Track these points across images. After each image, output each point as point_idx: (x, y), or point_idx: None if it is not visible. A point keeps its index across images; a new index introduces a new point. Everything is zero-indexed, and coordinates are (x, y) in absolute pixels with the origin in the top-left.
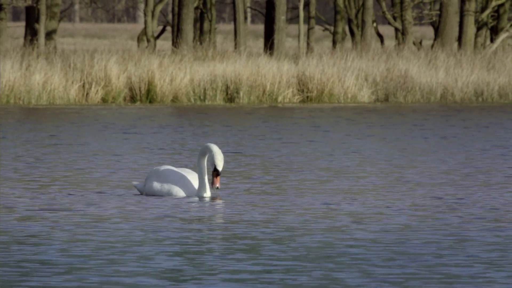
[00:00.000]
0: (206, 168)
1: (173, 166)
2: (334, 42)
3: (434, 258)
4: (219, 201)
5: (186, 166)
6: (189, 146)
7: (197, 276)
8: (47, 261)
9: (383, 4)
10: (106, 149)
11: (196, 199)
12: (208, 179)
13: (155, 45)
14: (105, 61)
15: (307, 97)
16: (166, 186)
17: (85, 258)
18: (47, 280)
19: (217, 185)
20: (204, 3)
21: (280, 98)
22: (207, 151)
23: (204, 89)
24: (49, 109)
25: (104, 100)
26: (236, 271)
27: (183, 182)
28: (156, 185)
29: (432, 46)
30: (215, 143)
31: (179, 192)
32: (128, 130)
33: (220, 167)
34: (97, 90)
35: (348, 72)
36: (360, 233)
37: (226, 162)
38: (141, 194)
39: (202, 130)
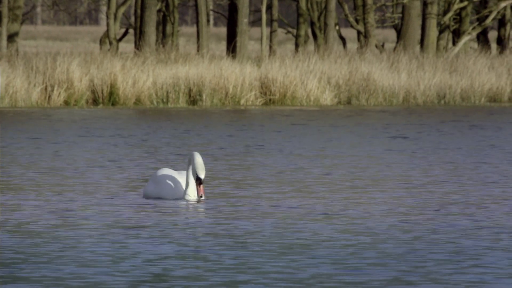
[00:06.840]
0: (191, 175)
1: (171, 168)
2: (297, 45)
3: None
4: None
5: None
6: (156, 149)
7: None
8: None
9: (346, 7)
10: (73, 152)
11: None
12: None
13: (117, 47)
14: (67, 64)
15: (270, 99)
16: (156, 189)
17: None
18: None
19: (201, 193)
20: (167, 6)
21: (243, 101)
22: (191, 160)
23: (167, 92)
24: (11, 112)
25: (66, 102)
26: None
27: (171, 185)
28: (149, 188)
29: (395, 49)
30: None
31: (167, 195)
32: (90, 133)
33: (202, 175)
34: (59, 93)
35: (310, 75)
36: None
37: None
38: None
39: (167, 133)
